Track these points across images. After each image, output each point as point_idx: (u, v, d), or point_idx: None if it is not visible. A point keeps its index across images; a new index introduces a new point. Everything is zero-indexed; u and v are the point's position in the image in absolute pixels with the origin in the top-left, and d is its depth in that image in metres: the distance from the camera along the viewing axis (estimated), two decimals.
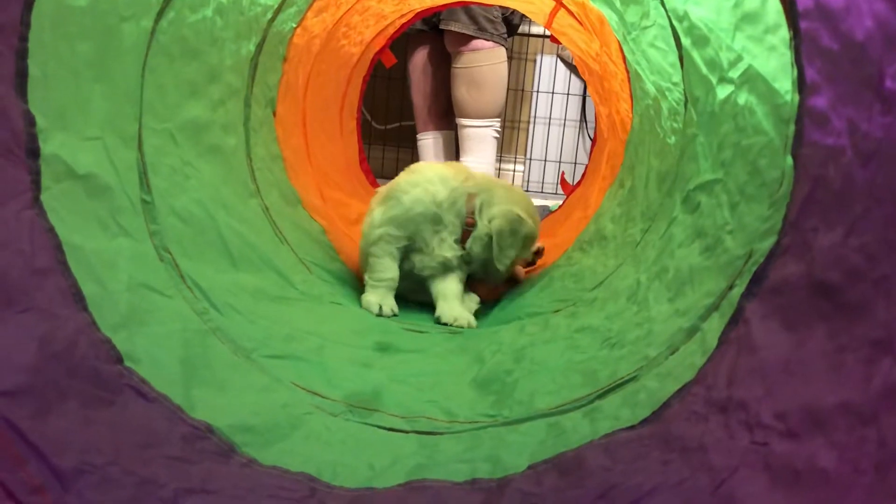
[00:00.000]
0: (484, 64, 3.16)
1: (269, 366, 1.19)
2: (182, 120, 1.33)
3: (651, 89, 1.53)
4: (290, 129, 2.03)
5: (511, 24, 3.22)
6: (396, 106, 3.77)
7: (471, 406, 1.18)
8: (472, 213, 1.72)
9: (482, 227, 1.71)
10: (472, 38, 3.09)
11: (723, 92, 1.11)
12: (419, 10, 2.84)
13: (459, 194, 1.72)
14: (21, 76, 0.81)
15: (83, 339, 0.85)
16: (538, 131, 3.83)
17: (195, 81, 1.36)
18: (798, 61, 0.78)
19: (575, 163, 3.66)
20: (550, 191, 3.64)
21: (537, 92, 3.80)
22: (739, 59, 1.04)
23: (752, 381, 0.75)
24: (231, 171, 1.53)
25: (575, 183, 2.84)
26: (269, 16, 1.59)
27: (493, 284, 1.84)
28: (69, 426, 0.78)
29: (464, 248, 1.73)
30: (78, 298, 0.87)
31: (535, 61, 3.82)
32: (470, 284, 1.85)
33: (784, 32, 0.84)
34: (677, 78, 1.37)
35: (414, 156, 3.53)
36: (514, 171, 3.99)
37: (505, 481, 0.89)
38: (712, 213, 1.08)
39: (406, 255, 1.75)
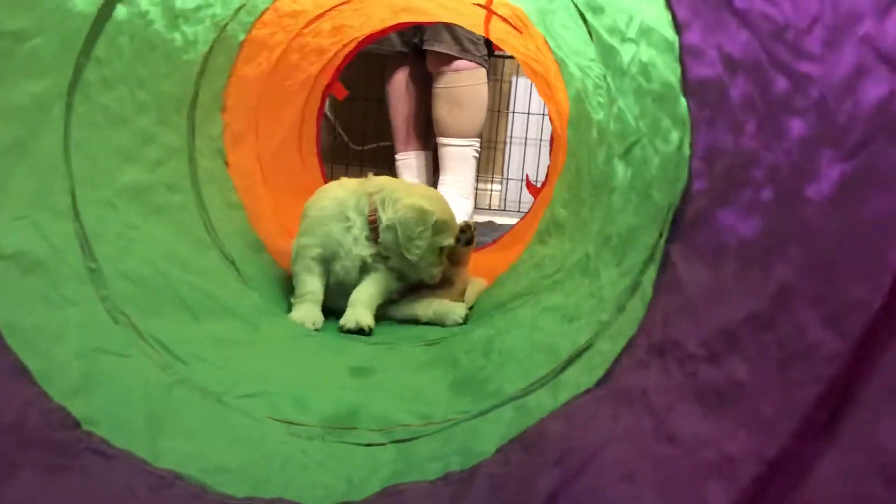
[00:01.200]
0: (466, 84, 3.21)
1: (242, 405, 1.19)
2: (120, 186, 1.35)
3: (575, 71, 1.55)
4: (247, 176, 2.05)
5: (490, 45, 3.28)
6: (373, 127, 3.81)
7: (446, 407, 1.18)
8: (374, 209, 1.78)
9: (386, 219, 1.75)
10: (455, 58, 3.14)
11: (627, 53, 1.12)
12: (360, 39, 2.87)
13: (360, 194, 1.81)
14: None
15: (33, 410, 0.85)
16: (515, 151, 3.87)
17: (127, 147, 1.38)
18: (669, 4, 0.80)
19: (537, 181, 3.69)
20: (528, 209, 3.66)
21: (513, 112, 3.84)
22: (632, 17, 1.05)
23: (682, 318, 0.76)
24: (181, 227, 1.54)
25: (540, 185, 2.86)
26: (196, 69, 1.61)
27: (424, 281, 1.85)
28: (26, 496, 0.78)
29: (379, 244, 1.77)
30: (23, 374, 0.87)
31: (510, 82, 3.87)
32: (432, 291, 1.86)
33: None
34: (593, 53, 1.38)
35: (392, 176, 3.55)
36: (492, 190, 4.01)
37: (475, 469, 0.89)
38: (640, 172, 1.09)
39: (329, 266, 1.79)
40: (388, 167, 3.66)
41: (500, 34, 2.49)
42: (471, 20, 2.56)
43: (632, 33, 1.07)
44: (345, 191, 1.81)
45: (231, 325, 1.49)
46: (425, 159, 3.43)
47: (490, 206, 3.99)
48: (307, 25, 2.27)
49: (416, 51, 3.27)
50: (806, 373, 0.51)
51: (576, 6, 1.30)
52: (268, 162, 2.28)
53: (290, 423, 1.16)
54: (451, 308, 1.80)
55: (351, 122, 3.82)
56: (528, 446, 0.85)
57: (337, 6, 2.29)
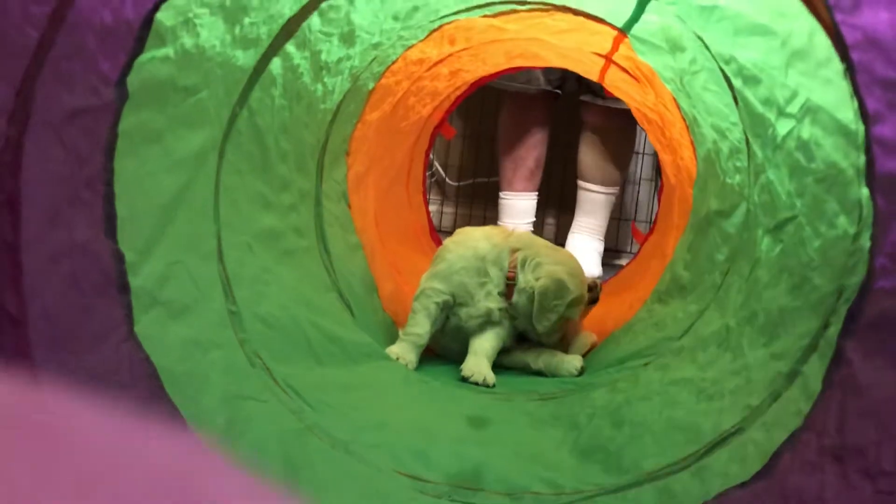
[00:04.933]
0: (622, 136, 3.19)
1: (368, 455, 1.20)
2: (257, 230, 1.39)
3: (710, 132, 1.52)
4: (365, 215, 2.09)
5: None
6: (470, 163, 3.83)
7: (575, 475, 1.16)
8: (514, 266, 1.76)
9: (525, 281, 1.74)
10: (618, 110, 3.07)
11: (784, 127, 1.09)
12: (472, 81, 2.90)
13: (502, 248, 1.79)
14: (110, 218, 0.87)
15: None
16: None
17: (265, 193, 1.42)
18: (857, 92, 0.77)
19: (648, 221, 3.60)
20: (624, 248, 3.59)
21: None
22: (796, 94, 1.02)
23: (865, 424, 0.72)
24: (307, 270, 1.58)
25: (647, 232, 2.81)
26: (329, 118, 1.65)
27: (544, 342, 1.84)
28: None
29: (510, 302, 1.76)
30: (180, 421, 0.90)
31: None
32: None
33: (837, 65, 0.83)
34: (735, 118, 1.36)
35: (488, 212, 3.57)
36: None
37: None
38: (795, 251, 1.05)
39: (451, 311, 1.78)
40: (483, 204, 3.67)
41: (614, 81, 2.47)
42: (586, 67, 2.55)
43: (793, 109, 1.04)
44: (488, 243, 1.80)
45: (350, 368, 1.51)
46: (533, 201, 3.36)
47: None
48: (428, 70, 2.31)
49: (558, 92, 3.21)
50: None
51: (722, 72, 1.28)
52: (379, 201, 2.32)
53: (416, 478, 1.16)
54: (563, 359, 1.78)
55: (448, 158, 3.85)
56: None
57: (457, 52, 2.33)
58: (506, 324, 1.78)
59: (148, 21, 0.86)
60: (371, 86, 1.84)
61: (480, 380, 1.68)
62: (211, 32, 1.04)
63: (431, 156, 3.87)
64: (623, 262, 3.41)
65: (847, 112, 0.87)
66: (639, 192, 3.71)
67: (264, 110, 1.32)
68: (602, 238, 3.30)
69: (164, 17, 0.90)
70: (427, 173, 3.96)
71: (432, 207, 3.41)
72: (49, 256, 0.78)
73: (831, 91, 0.90)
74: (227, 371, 1.11)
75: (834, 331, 0.85)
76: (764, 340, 1.08)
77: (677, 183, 2.15)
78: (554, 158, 3.41)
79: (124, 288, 0.89)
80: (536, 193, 3.35)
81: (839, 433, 0.75)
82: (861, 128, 0.79)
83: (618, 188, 3.28)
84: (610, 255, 3.41)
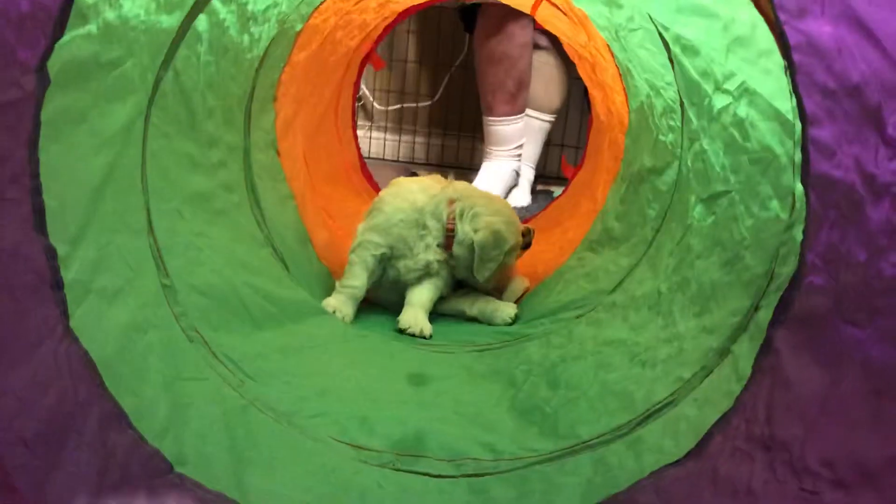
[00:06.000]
0: (559, 62, 3.16)
1: (311, 426, 1.20)
2: (186, 194, 1.34)
3: (644, 86, 1.53)
4: (294, 161, 2.03)
5: None
6: (397, 87, 3.78)
7: (513, 439, 1.20)
8: (453, 217, 1.78)
9: (463, 232, 1.76)
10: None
11: (720, 101, 1.10)
12: (400, 11, 2.82)
13: (440, 200, 1.79)
14: (39, 213, 0.82)
15: (134, 459, 0.87)
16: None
17: (193, 154, 1.36)
18: (796, 91, 0.78)
19: (578, 146, 3.62)
20: (553, 174, 3.60)
21: None
22: (733, 74, 1.03)
23: (791, 418, 0.76)
24: (239, 228, 1.54)
25: (576, 165, 2.83)
26: (256, 65, 1.59)
27: (482, 289, 1.88)
28: None
29: (449, 253, 1.78)
30: (121, 418, 0.88)
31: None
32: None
33: (778, 58, 0.84)
34: (670, 78, 1.36)
35: (417, 137, 3.65)
36: None
37: None
38: (728, 227, 1.08)
39: (389, 263, 1.79)
40: (412, 130, 3.73)
41: (546, 16, 2.44)
42: (518, 2, 2.51)
43: (730, 87, 1.05)
44: (424, 195, 1.79)
45: (288, 328, 1.50)
46: (519, 124, 3.15)
47: None
48: (356, 3, 2.22)
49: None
50: None
51: (661, 36, 1.27)
52: (308, 142, 2.26)
53: (359, 447, 1.18)
54: (498, 307, 1.82)
55: (375, 83, 3.79)
56: None
57: None
58: (443, 274, 1.80)
59: (68, 2, 0.79)
60: (298, 27, 1.77)
61: (417, 331, 1.71)
62: (134, 2, 0.97)
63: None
64: (552, 188, 3.45)
65: (784, 103, 0.89)
66: (568, 115, 3.68)
67: (190, 69, 1.26)
68: (534, 166, 3.31)
69: None
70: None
71: (359, 132, 3.34)
72: None
73: (770, 81, 0.92)
74: (166, 352, 1.09)
75: (764, 316, 0.89)
76: (695, 311, 1.12)
77: (608, 124, 2.16)
78: None
79: (58, 284, 0.86)
80: (522, 115, 3.12)
81: (768, 423, 0.79)
82: (798, 124, 0.81)
83: (555, 116, 3.27)
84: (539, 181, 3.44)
